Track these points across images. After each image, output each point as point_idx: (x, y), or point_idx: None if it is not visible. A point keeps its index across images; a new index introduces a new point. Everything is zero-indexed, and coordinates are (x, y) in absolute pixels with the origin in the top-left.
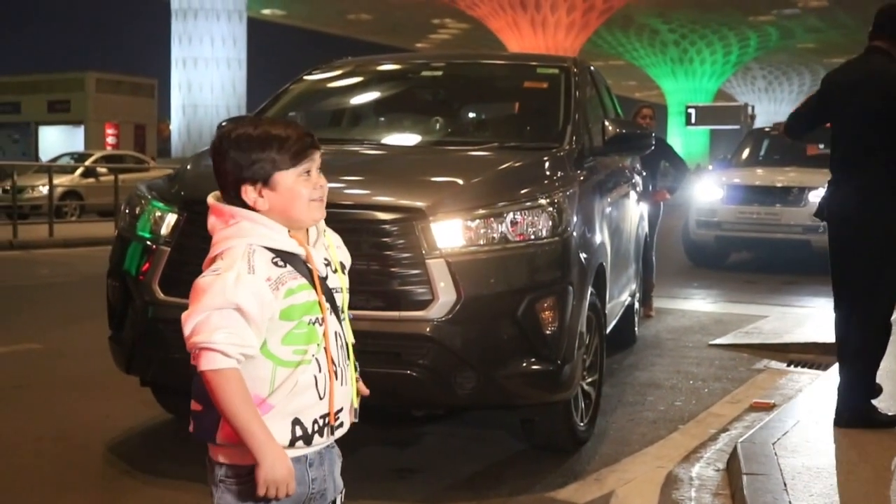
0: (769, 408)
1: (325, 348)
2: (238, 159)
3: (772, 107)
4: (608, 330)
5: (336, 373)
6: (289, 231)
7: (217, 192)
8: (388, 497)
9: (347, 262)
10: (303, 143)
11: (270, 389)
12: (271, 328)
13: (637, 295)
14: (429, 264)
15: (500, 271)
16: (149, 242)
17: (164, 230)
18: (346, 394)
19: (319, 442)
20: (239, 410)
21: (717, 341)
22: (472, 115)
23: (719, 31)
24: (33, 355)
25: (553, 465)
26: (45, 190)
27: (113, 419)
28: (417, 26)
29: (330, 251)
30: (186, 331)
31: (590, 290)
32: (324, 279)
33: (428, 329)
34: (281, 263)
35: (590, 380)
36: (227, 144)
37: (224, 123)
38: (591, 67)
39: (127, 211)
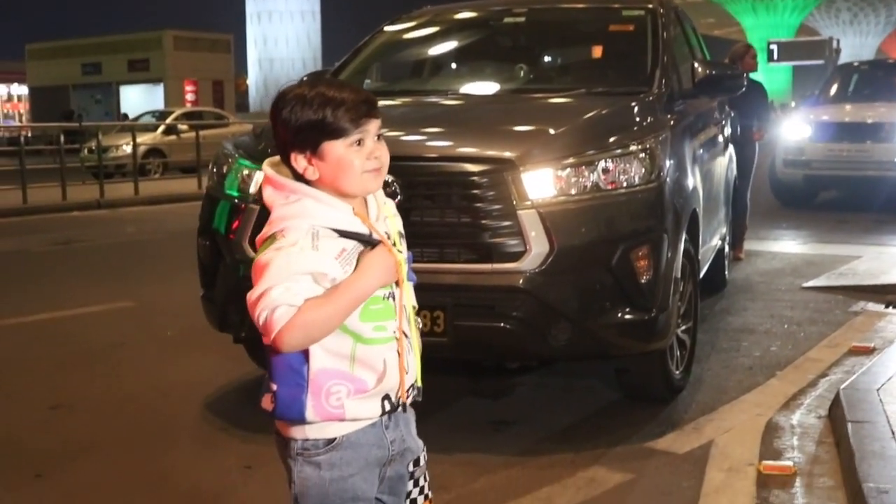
0: (869, 351)
1: (402, 317)
2: (289, 123)
3: (857, 40)
4: (701, 276)
5: (410, 343)
6: (353, 208)
7: (274, 158)
8: (485, 450)
9: (401, 229)
10: (357, 110)
11: (351, 366)
12: None
13: (727, 238)
14: (520, 215)
15: (592, 221)
16: (237, 201)
17: (253, 188)
18: (415, 363)
19: (399, 412)
20: (333, 310)
21: (811, 283)
22: (557, 61)
23: None
24: (128, 313)
25: (649, 415)
26: (128, 149)
27: (208, 375)
28: None
29: (390, 221)
30: (253, 314)
31: (684, 236)
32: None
33: (521, 281)
34: (346, 238)
35: (684, 327)
36: (281, 105)
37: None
38: (677, 7)
39: (214, 170)
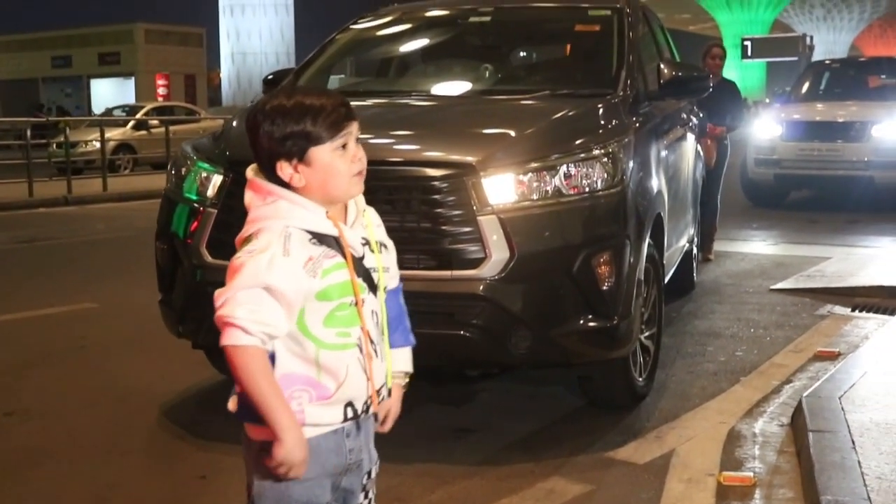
0: (834, 357)
1: (362, 328)
2: (272, 134)
3: (831, 36)
4: (666, 280)
5: (375, 351)
6: (327, 211)
7: (256, 166)
8: (445, 458)
9: (389, 243)
10: (338, 114)
11: (317, 372)
12: (310, 309)
13: (695, 240)
14: (480, 221)
15: (554, 226)
16: (195, 204)
17: (211, 191)
18: (384, 370)
19: (362, 418)
20: (260, 388)
21: (779, 286)
22: (522, 61)
23: None
24: (90, 314)
25: (611, 423)
26: (97, 144)
27: (168, 380)
28: None
29: (369, 230)
30: (216, 305)
31: (647, 241)
32: (360, 259)
33: (481, 288)
34: (317, 243)
35: (648, 333)
36: (260, 118)
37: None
38: (645, 6)
39: (173, 172)
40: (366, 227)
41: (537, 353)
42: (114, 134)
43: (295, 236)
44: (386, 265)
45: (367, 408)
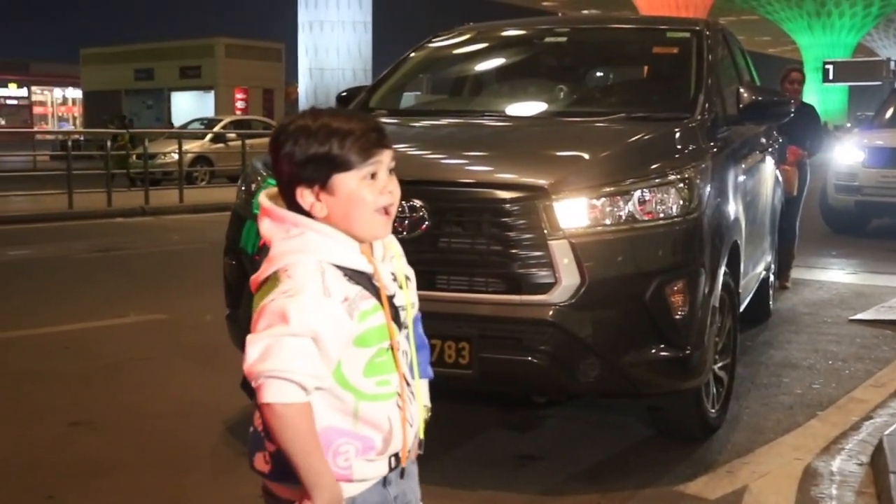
0: None
1: (399, 374)
2: (293, 155)
3: None
4: (741, 308)
5: (413, 393)
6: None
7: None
8: (508, 487)
9: (411, 274)
10: (368, 139)
11: (354, 424)
12: (347, 356)
13: (772, 267)
14: (551, 245)
15: (626, 253)
16: None
17: (263, 202)
18: (417, 409)
19: (406, 464)
20: (310, 449)
21: (859, 317)
22: (597, 83)
23: None
24: (158, 326)
25: (682, 455)
26: (175, 156)
27: (233, 396)
28: None
29: (396, 263)
30: (251, 355)
31: (723, 269)
32: (391, 297)
33: (550, 314)
34: (351, 282)
35: (722, 364)
36: (283, 138)
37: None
38: (725, 28)
39: (243, 188)
40: (392, 258)
41: (606, 382)
42: (192, 146)
43: (329, 273)
44: (413, 300)
45: (409, 453)
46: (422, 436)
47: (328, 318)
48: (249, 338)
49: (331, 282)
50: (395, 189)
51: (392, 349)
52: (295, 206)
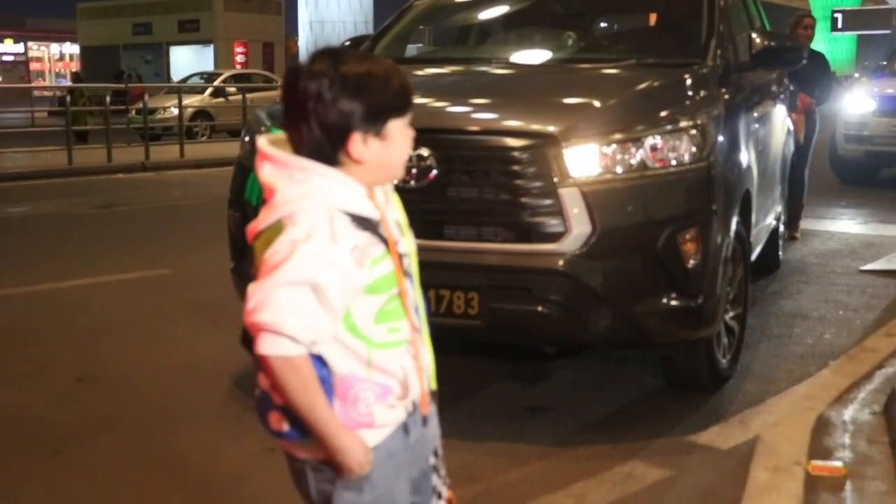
0: None
1: (412, 317)
2: (350, 103)
3: None
4: (753, 258)
5: (422, 339)
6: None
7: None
8: (519, 439)
9: (404, 219)
10: (409, 87)
11: (368, 372)
12: (358, 306)
13: (782, 217)
14: (561, 193)
15: (638, 201)
16: None
17: (265, 147)
18: (428, 355)
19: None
20: (311, 400)
21: (869, 267)
22: (606, 30)
23: None
24: (164, 281)
25: (693, 406)
26: (175, 111)
27: (239, 351)
28: None
29: (400, 210)
30: (249, 304)
31: (735, 218)
32: (396, 243)
33: (561, 263)
34: (360, 228)
35: (733, 314)
36: (328, 84)
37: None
38: None
39: (247, 139)
40: (395, 206)
41: (618, 332)
42: (192, 101)
43: (338, 220)
44: (414, 249)
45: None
46: (433, 384)
47: (331, 267)
48: (250, 287)
49: (339, 229)
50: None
51: (401, 296)
52: (306, 153)
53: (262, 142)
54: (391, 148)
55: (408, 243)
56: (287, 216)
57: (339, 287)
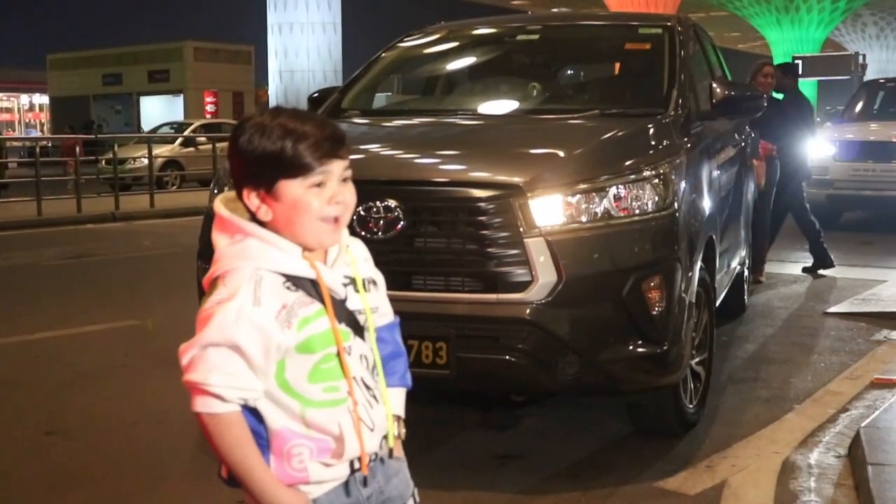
0: (892, 384)
1: (350, 377)
2: (244, 154)
3: (884, 55)
4: (717, 303)
5: (375, 397)
6: (302, 251)
7: (230, 194)
8: (489, 487)
9: (379, 278)
10: (320, 147)
11: (306, 430)
12: (292, 364)
13: (747, 262)
14: (527, 243)
15: (603, 249)
16: None
17: (218, 208)
18: (384, 415)
19: (375, 465)
20: (242, 458)
21: (833, 309)
22: (570, 80)
23: None
24: (133, 332)
25: (661, 451)
26: (145, 161)
27: None
28: None
29: (353, 267)
30: (182, 363)
31: (699, 265)
32: (342, 301)
33: (527, 312)
34: (293, 288)
35: (699, 358)
36: (238, 134)
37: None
38: (696, 24)
39: (216, 191)
40: (349, 264)
41: (585, 380)
42: (161, 151)
43: (267, 280)
44: (374, 305)
45: (378, 456)
46: (391, 443)
47: (250, 328)
48: (182, 346)
49: (266, 290)
50: (349, 198)
51: (339, 355)
52: (247, 208)
53: (217, 201)
54: (291, 211)
55: (363, 300)
56: (220, 275)
57: (260, 347)
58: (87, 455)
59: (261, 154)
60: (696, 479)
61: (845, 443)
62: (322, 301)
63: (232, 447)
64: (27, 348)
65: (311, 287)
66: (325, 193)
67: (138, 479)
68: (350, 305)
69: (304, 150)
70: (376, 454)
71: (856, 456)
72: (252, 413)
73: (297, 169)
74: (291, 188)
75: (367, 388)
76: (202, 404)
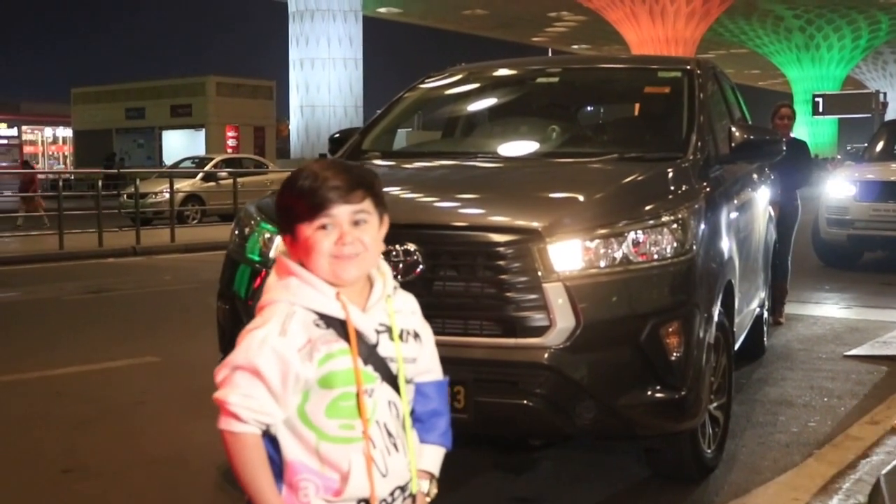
0: None
1: (366, 418)
2: (277, 202)
3: None
4: (736, 346)
5: (396, 445)
6: (338, 293)
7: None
8: None
9: (423, 330)
10: (313, 197)
11: (319, 465)
12: (313, 397)
13: (766, 304)
14: (546, 288)
15: (621, 295)
16: (257, 265)
17: (273, 253)
18: (405, 465)
19: None
20: (253, 478)
21: (853, 352)
22: (590, 123)
23: (848, 15)
24: (152, 369)
25: (679, 496)
26: (167, 195)
27: None
28: (533, 20)
29: (391, 317)
30: (216, 380)
31: (718, 309)
32: (373, 346)
33: (545, 357)
34: (322, 326)
35: (717, 403)
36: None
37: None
38: (715, 66)
39: (237, 232)
40: (388, 313)
41: (602, 424)
42: (183, 185)
43: (299, 316)
44: (411, 356)
45: (392, 502)
46: (413, 490)
47: (271, 355)
48: (220, 364)
49: (295, 323)
50: (353, 240)
51: (358, 394)
52: None
53: (280, 245)
54: (302, 249)
55: (397, 348)
56: (261, 306)
57: (278, 374)
58: (104, 494)
59: (282, 203)
60: None
61: (865, 490)
62: (349, 341)
63: (244, 467)
64: (47, 384)
65: (341, 328)
66: (332, 235)
67: None
68: (382, 352)
69: (304, 200)
70: (386, 503)
71: (876, 502)
72: (272, 442)
73: (300, 216)
74: (303, 231)
75: (390, 434)
76: (223, 421)
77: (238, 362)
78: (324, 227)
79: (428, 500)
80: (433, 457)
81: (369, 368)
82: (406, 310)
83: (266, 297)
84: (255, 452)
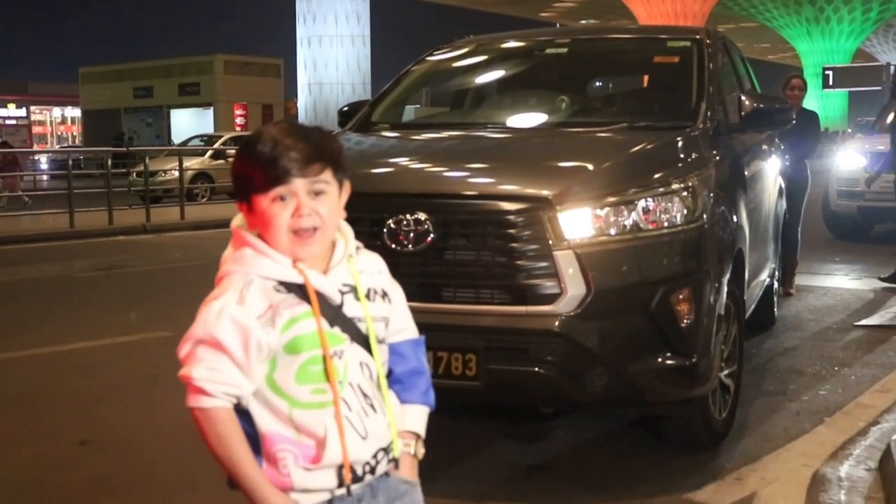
0: None
1: (335, 381)
2: (232, 167)
3: None
4: (747, 315)
5: (373, 406)
6: (295, 261)
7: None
8: (517, 498)
9: (392, 289)
10: (277, 168)
11: (295, 433)
12: (280, 364)
13: (776, 274)
14: (556, 256)
15: (632, 262)
16: None
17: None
18: (385, 425)
19: (369, 479)
20: (230, 453)
21: (863, 322)
22: (599, 93)
23: None
24: (164, 343)
25: (690, 464)
26: (176, 173)
27: None
28: None
29: (356, 277)
30: (179, 357)
31: (728, 277)
32: (338, 307)
33: (556, 324)
34: (282, 290)
35: (728, 371)
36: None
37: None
38: (725, 36)
39: None
40: (352, 273)
41: (613, 392)
42: (192, 163)
43: (256, 284)
44: (380, 314)
45: (374, 469)
46: (396, 453)
47: (229, 324)
48: (183, 338)
49: (253, 291)
50: (311, 212)
51: (324, 358)
52: None
53: (236, 218)
54: (259, 221)
55: (364, 308)
56: (217, 278)
57: (240, 343)
58: (120, 465)
59: (238, 170)
60: (726, 492)
61: (876, 456)
62: (308, 303)
63: (219, 442)
64: (60, 359)
65: (301, 291)
66: (289, 206)
67: (171, 489)
68: (348, 312)
69: (262, 168)
70: (370, 466)
71: (886, 469)
72: (245, 417)
73: (257, 185)
74: (259, 201)
75: (365, 395)
76: (192, 399)
77: (199, 336)
78: (281, 198)
79: (416, 460)
80: (416, 417)
81: (336, 330)
82: (371, 269)
83: (223, 269)
84: (229, 426)
